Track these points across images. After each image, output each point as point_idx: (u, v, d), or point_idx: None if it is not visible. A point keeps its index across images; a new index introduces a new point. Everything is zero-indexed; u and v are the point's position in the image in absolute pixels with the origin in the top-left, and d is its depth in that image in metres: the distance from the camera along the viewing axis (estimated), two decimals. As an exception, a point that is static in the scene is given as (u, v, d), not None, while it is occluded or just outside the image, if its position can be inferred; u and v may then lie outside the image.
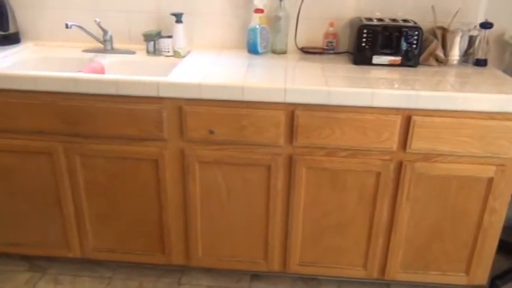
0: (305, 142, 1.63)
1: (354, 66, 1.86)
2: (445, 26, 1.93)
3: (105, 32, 2.02)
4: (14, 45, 2.05)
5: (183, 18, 1.98)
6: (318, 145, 1.63)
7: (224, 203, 1.78)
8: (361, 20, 1.87)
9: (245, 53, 2.03)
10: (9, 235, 1.94)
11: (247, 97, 1.58)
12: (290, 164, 1.68)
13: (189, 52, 2.03)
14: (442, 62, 1.89)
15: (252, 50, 2.00)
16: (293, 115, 1.60)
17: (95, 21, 1.98)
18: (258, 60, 1.92)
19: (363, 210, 1.74)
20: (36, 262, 2.07)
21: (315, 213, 1.77)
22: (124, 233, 1.88)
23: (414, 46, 1.81)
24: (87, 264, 2.05)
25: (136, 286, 1.96)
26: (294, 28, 2.04)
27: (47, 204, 1.85)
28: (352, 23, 1.97)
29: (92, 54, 2.02)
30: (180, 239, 1.87)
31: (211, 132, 1.64)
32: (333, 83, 1.60)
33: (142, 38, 2.03)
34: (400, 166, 1.66)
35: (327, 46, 2.05)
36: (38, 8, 2.11)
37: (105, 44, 2.04)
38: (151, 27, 2.10)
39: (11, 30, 2.04)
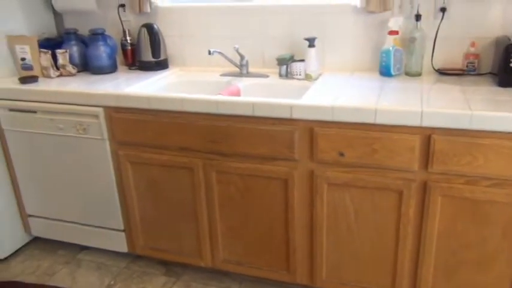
0: (442, 169, 1.54)
1: (500, 88, 1.72)
2: None
3: (242, 57, 2.17)
4: (163, 70, 2.30)
5: (315, 42, 2.04)
6: (456, 172, 1.53)
7: (351, 226, 1.76)
8: (509, 39, 1.73)
9: (377, 76, 2.01)
10: (151, 240, 2.15)
11: (380, 120, 1.56)
12: (424, 190, 1.61)
13: (320, 75, 2.08)
14: None
15: (385, 72, 1.97)
16: (429, 140, 1.53)
17: (234, 47, 2.14)
18: (391, 82, 1.89)
19: (508, 246, 1.58)
20: (172, 268, 2.26)
21: (450, 246, 1.65)
22: (252, 247, 1.96)
23: None
24: (217, 274, 2.18)
25: (260, 301, 2.02)
26: (430, 49, 1.96)
27: (185, 215, 2.02)
28: (498, 42, 1.83)
29: (229, 78, 2.17)
30: (305, 259, 1.89)
31: (341, 154, 1.64)
32: (475, 106, 1.50)
33: (275, 62, 2.14)
34: (555, 200, 1.47)
35: (467, 67, 1.93)
36: (185, 37, 2.34)
37: (242, 68, 2.19)
38: (283, 52, 2.19)
39: (162, 57, 2.30)
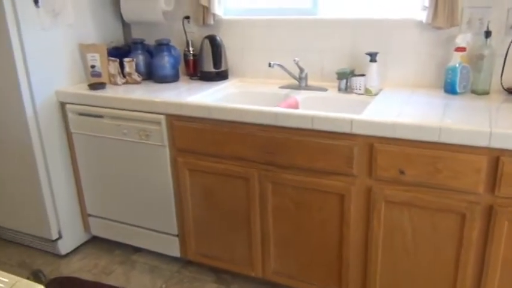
0: (510, 193, 1.47)
1: None
2: None
3: (301, 70, 2.18)
4: (223, 81, 2.35)
5: (377, 57, 2.01)
6: (526, 197, 1.46)
7: (408, 246, 1.71)
8: None
9: (441, 93, 1.95)
10: (203, 246, 2.18)
11: (444, 139, 1.51)
12: (489, 214, 1.53)
13: (380, 90, 2.05)
14: None
15: (450, 89, 1.91)
16: (498, 162, 1.46)
17: (294, 60, 2.15)
18: (456, 100, 1.83)
19: None
20: (222, 275, 2.28)
21: (516, 274, 1.57)
22: (304, 260, 1.95)
23: None
24: (267, 285, 2.17)
25: (310, 316, 1.99)
26: (499, 67, 1.88)
27: (238, 224, 2.04)
28: None
29: (287, 90, 2.19)
30: (358, 277, 1.85)
31: (401, 172, 1.61)
32: (550, 129, 1.42)
33: (334, 75, 2.13)
34: None
35: (539, 87, 1.84)
36: (246, 49, 2.39)
37: (300, 81, 2.19)
38: (343, 66, 2.18)
39: (222, 68, 2.35)
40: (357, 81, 2.04)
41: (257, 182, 1.91)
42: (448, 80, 1.91)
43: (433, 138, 1.53)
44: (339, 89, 2.11)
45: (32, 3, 2.09)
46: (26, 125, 2.17)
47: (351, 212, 1.76)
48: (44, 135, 2.23)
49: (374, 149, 1.63)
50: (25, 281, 0.84)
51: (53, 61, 2.23)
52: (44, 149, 2.25)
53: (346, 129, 1.65)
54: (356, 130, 1.64)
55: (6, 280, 0.86)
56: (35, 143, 2.22)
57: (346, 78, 2.08)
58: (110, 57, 2.33)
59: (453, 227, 1.60)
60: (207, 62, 2.32)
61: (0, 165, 2.37)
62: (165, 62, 2.33)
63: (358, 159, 1.68)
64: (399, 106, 1.77)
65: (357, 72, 2.11)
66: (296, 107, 2.04)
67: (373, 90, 2.00)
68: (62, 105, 2.29)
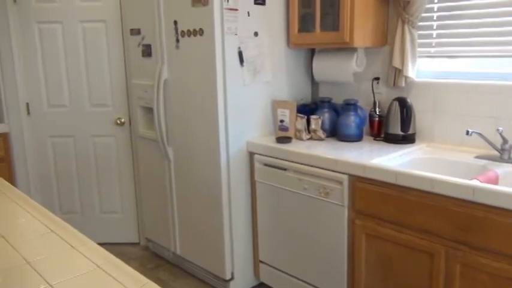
0: None
1: None
2: None
3: (505, 140, 1.95)
4: (409, 145, 2.25)
5: None
6: None
7: None
8: None
9: None
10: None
11: None
12: None
13: None
14: None
15: None
16: None
17: (497, 129, 1.94)
18: None
19: None
20: None
21: None
22: None
23: None
24: None
25: None
26: None
27: (416, 303, 1.86)
28: None
29: (485, 162, 1.97)
30: None
31: None
32: None
33: (547, 150, 1.85)
34: None
35: None
36: (438, 113, 2.26)
37: (502, 153, 1.96)
38: (559, 139, 1.88)
39: (410, 131, 2.25)
40: None
41: (443, 260, 1.72)
42: None
43: None
44: (553, 166, 1.82)
45: (238, 63, 2.35)
46: (219, 170, 2.39)
47: None
48: (232, 181, 2.43)
49: None
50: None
51: (248, 113, 2.44)
52: (230, 193, 2.44)
53: None
54: None
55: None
56: (224, 187, 2.42)
57: None
58: (298, 114, 2.44)
59: None
60: (394, 124, 2.25)
61: (193, 205, 2.64)
62: (351, 121, 2.35)
63: None
64: None
65: None
66: (495, 182, 1.81)
67: None
68: (251, 154, 2.47)
